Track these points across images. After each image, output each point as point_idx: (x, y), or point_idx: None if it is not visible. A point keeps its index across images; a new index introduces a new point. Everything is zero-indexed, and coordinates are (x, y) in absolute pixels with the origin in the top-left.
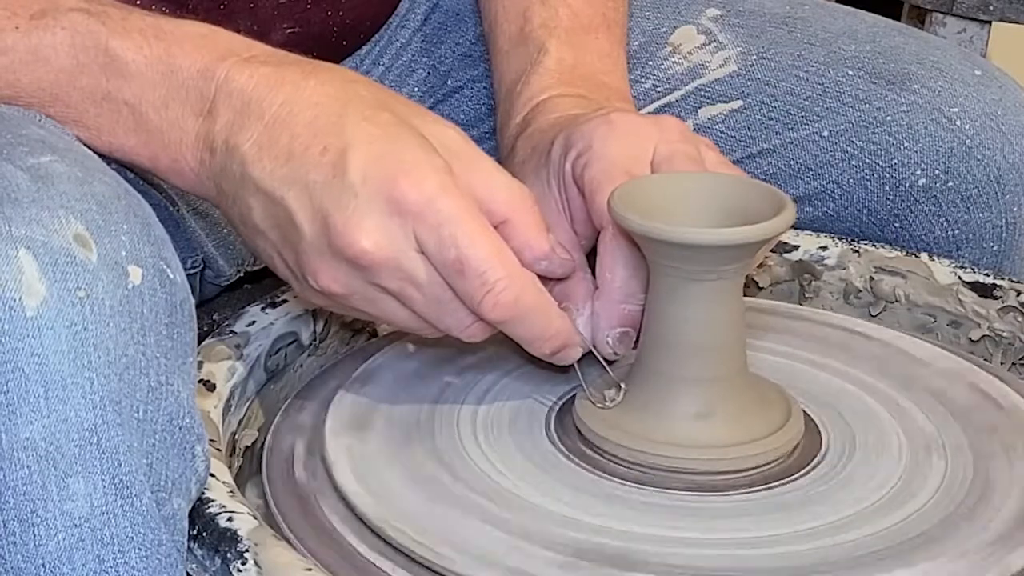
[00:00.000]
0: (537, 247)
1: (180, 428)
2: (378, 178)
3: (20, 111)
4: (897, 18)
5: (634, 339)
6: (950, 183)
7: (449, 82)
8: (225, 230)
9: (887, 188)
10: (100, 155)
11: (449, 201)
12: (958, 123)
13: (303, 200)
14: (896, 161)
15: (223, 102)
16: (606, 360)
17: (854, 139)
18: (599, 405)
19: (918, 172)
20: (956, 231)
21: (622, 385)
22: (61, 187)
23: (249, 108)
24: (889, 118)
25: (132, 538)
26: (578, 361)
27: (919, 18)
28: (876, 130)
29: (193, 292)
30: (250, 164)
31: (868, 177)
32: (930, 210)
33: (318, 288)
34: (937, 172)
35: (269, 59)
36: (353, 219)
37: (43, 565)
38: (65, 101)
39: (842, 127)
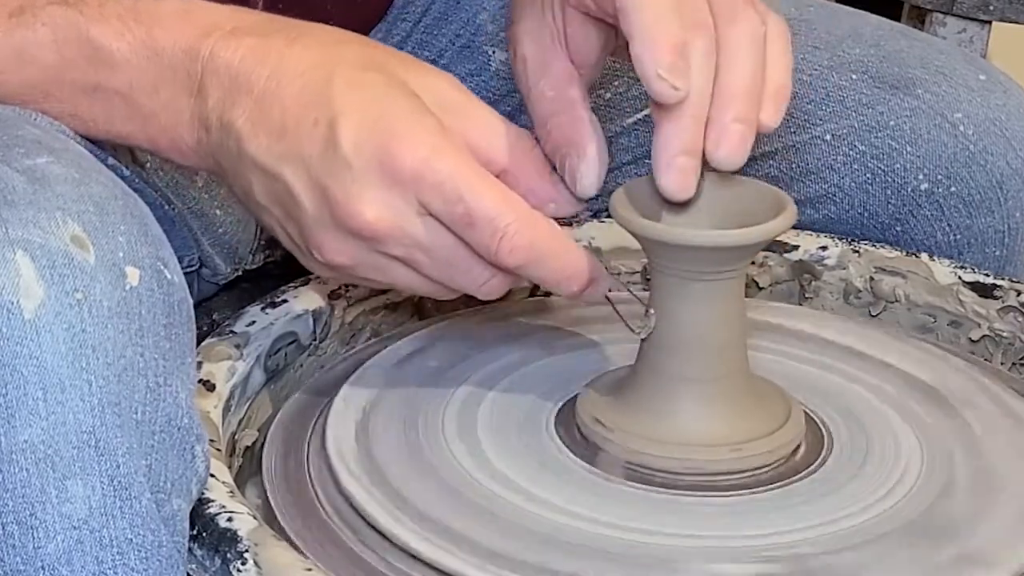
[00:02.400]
0: (541, 190)
1: (179, 429)
2: (370, 148)
3: (15, 111)
4: (897, 18)
5: (689, 74)
6: (952, 188)
7: None
8: (220, 230)
9: (889, 192)
10: (100, 143)
11: (445, 160)
12: (961, 128)
13: (300, 174)
14: (898, 166)
15: (211, 79)
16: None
17: (856, 143)
18: (636, 332)
19: (920, 177)
20: (958, 236)
21: (651, 310)
22: (58, 188)
23: (237, 83)
24: (892, 123)
25: (131, 540)
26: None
27: (919, 18)
28: (879, 135)
29: (190, 290)
30: (246, 141)
31: (870, 181)
32: (932, 215)
33: (323, 261)
34: (940, 177)
35: (253, 29)
36: (352, 191)
37: (42, 568)
38: (57, 96)
39: (845, 131)
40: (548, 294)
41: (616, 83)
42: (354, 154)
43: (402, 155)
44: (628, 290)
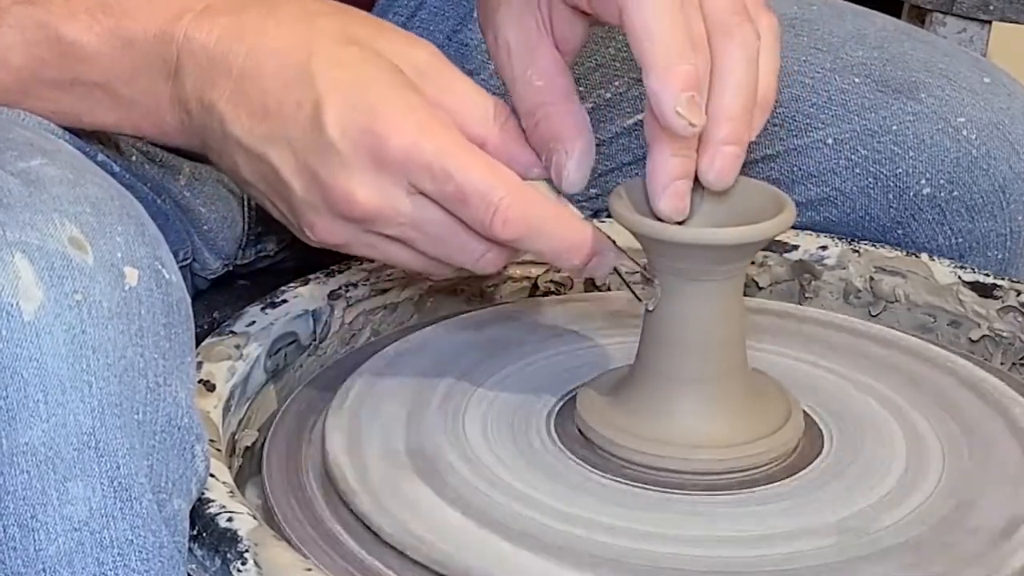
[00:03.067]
0: (522, 157)
1: (179, 428)
2: (356, 131)
3: (3, 112)
4: (897, 18)
5: (703, 106)
6: (955, 193)
7: None
8: (205, 226)
9: (891, 196)
10: (87, 139)
11: (432, 140)
12: (964, 133)
13: (287, 156)
14: (900, 170)
15: (187, 61)
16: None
17: (859, 147)
18: (643, 302)
19: (923, 182)
20: (960, 239)
21: (656, 280)
22: (54, 190)
23: (214, 64)
24: (895, 127)
25: (132, 541)
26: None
27: (919, 18)
28: (881, 139)
29: (184, 282)
30: (229, 122)
31: (872, 186)
32: (934, 219)
33: (316, 240)
34: (942, 182)
35: (225, 6)
36: (341, 175)
37: (43, 570)
38: (37, 95)
39: (847, 135)
40: (546, 293)
41: (616, 83)
42: (340, 138)
43: (389, 137)
44: (634, 262)
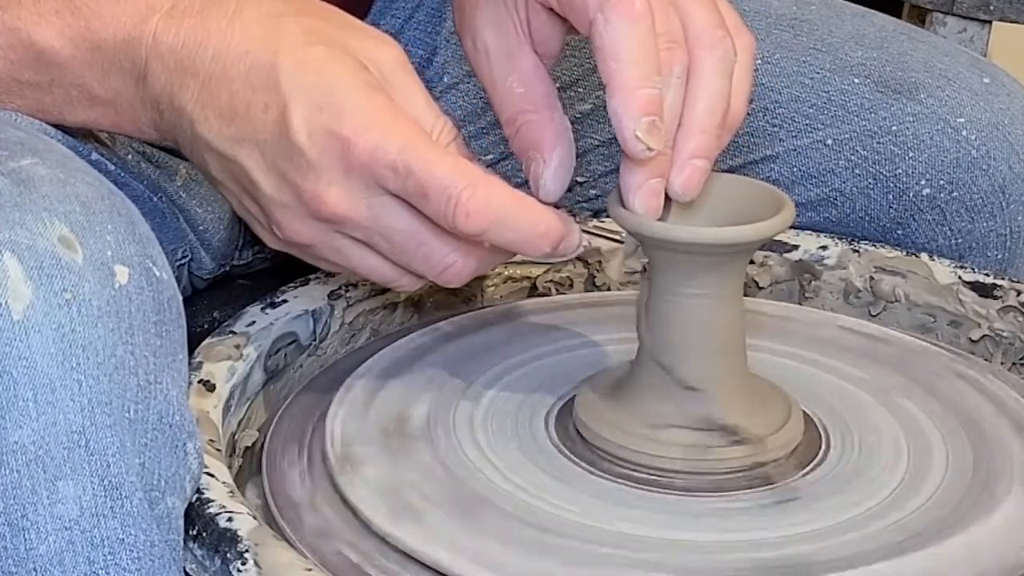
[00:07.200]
0: None
1: (170, 426)
2: (322, 133)
3: None
4: (897, 18)
5: (663, 130)
6: (955, 193)
7: (446, 79)
8: (201, 227)
9: (890, 197)
10: (80, 136)
11: (395, 139)
12: (964, 133)
13: (256, 158)
14: (900, 171)
15: (156, 64)
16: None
17: (858, 148)
18: (624, 244)
19: (922, 182)
20: (960, 240)
21: (622, 234)
22: (43, 190)
23: (182, 67)
24: (895, 128)
25: (123, 539)
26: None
27: (919, 18)
28: (881, 140)
29: (179, 281)
30: (198, 124)
31: (872, 186)
32: (934, 219)
33: (283, 239)
34: (942, 183)
35: (191, 6)
36: (310, 177)
37: (34, 569)
38: (20, 94)
39: (846, 136)
40: (545, 294)
41: None
42: (307, 141)
43: (354, 139)
44: (593, 233)
